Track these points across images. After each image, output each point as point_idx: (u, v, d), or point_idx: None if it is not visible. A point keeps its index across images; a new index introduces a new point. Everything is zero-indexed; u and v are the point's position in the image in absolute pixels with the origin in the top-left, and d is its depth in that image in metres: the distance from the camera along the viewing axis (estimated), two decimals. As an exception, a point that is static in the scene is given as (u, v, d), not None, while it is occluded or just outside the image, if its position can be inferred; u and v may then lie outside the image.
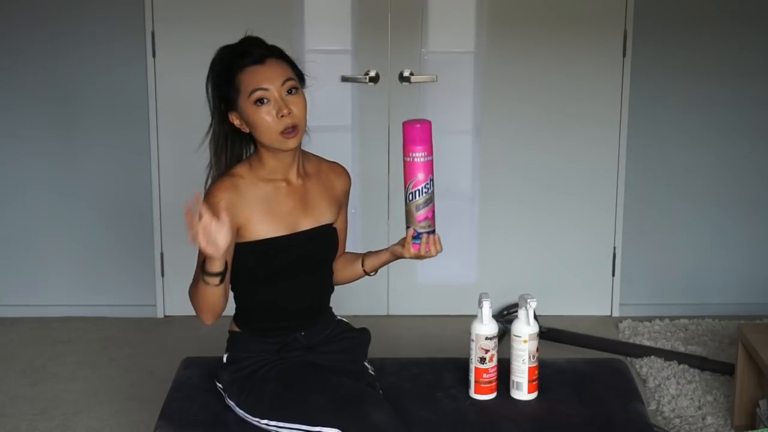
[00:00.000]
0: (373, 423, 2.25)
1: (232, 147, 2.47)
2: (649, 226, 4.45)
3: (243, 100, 2.37)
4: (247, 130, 2.41)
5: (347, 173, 2.62)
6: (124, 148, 4.33)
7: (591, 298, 4.51)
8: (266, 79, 2.36)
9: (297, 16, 4.25)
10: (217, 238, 2.19)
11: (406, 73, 4.24)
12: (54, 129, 4.30)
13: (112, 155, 4.33)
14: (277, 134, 2.36)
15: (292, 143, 2.39)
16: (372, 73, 4.23)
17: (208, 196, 2.38)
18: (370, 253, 2.57)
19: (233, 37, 2.47)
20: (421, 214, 2.39)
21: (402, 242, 2.45)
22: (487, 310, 2.51)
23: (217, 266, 2.27)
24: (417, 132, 2.35)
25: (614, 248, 4.46)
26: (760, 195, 4.44)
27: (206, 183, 2.47)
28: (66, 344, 4.15)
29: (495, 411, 2.49)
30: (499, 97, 4.33)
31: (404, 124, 2.37)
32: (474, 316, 2.54)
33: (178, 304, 4.43)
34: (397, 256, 2.47)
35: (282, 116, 2.35)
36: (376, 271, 2.57)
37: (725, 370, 3.76)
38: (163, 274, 4.43)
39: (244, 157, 2.49)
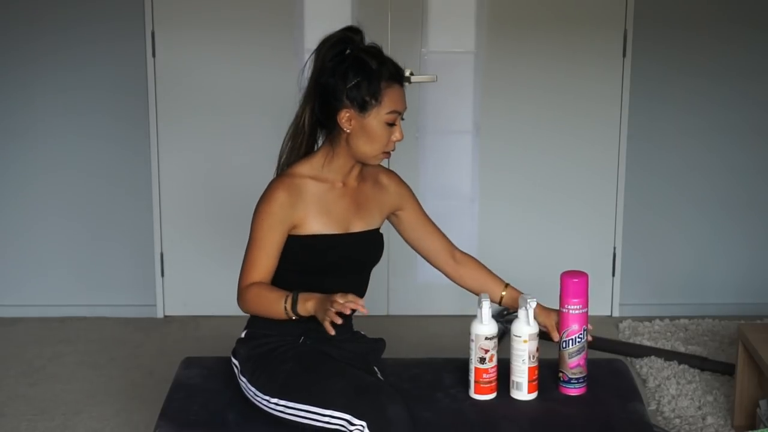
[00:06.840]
0: (388, 416, 2.25)
1: (311, 136, 2.52)
2: (649, 226, 4.45)
3: (379, 112, 2.43)
4: (349, 131, 2.44)
5: (397, 176, 2.68)
6: (124, 148, 4.32)
7: (591, 298, 4.47)
8: (403, 105, 2.48)
9: (297, 16, 4.25)
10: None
11: (406, 73, 4.23)
12: (53, 129, 4.30)
13: (112, 155, 4.33)
14: (380, 152, 2.46)
15: (379, 161, 2.51)
16: (372, 73, 4.23)
17: (269, 192, 2.46)
18: (516, 291, 2.69)
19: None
20: (573, 361, 2.57)
21: (556, 326, 2.64)
22: (487, 310, 2.51)
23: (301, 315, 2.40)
24: (574, 286, 2.58)
25: (614, 248, 4.45)
26: (759, 195, 4.44)
27: (279, 159, 2.54)
28: (66, 344, 4.15)
29: (495, 411, 2.49)
30: (498, 97, 4.33)
31: (562, 275, 2.57)
32: (474, 316, 2.54)
33: (178, 304, 4.44)
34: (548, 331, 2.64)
35: (396, 141, 2.46)
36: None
37: (725, 370, 3.76)
38: (163, 274, 4.43)
39: (314, 149, 2.54)
